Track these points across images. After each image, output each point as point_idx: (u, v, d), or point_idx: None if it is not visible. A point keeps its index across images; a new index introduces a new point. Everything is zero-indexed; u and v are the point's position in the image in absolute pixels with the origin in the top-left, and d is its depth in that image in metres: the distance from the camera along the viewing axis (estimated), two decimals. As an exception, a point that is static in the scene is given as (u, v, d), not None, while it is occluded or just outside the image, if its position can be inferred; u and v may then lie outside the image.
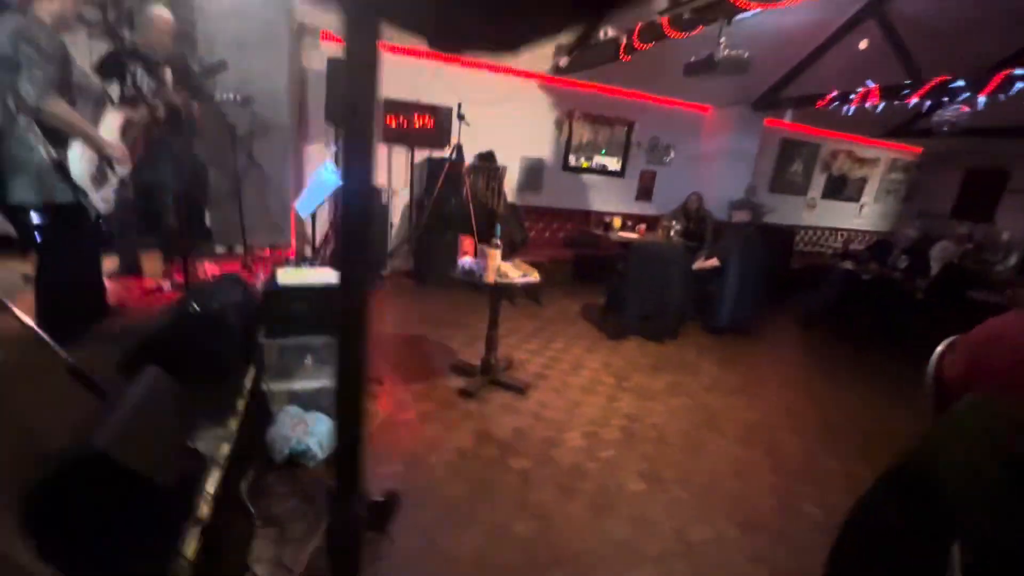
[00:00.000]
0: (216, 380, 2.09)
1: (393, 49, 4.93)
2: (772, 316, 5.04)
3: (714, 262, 4.36)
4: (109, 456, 1.25)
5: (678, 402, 3.12)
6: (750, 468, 2.51)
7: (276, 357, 2.42)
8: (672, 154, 6.57)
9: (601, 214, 6.30)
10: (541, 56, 5.22)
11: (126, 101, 2.60)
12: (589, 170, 6.22)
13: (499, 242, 2.83)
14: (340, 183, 0.47)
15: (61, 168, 2.08)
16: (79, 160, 2.13)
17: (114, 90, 2.64)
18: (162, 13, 3.00)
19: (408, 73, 4.90)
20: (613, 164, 6.32)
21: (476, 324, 3.57)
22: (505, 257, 3.01)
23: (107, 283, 2.76)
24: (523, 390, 2.98)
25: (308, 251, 4.64)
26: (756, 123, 6.31)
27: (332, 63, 4.45)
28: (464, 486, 2.15)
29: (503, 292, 2.99)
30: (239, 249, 4.10)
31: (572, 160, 6.09)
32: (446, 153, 4.98)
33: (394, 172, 5.19)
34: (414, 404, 2.76)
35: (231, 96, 4.09)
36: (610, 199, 6.42)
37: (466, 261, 2.92)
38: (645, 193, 6.63)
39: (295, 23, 4.43)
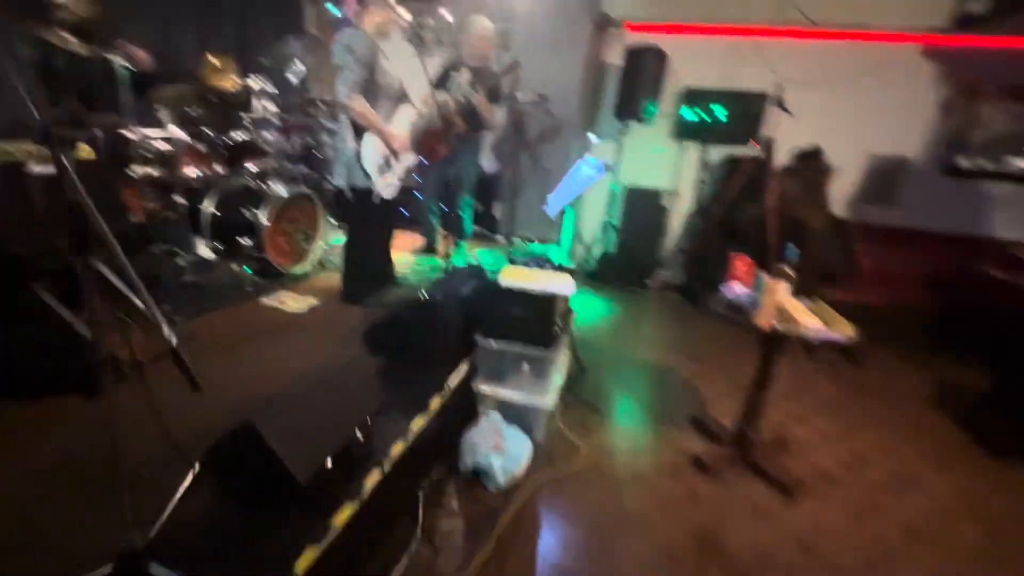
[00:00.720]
0: (422, 372, 2.09)
1: (702, 30, 4.25)
2: None
3: None
4: (255, 429, 1.25)
5: None
6: None
7: (492, 359, 2.28)
8: None
9: (1008, 244, 4.03)
10: (927, 5, 3.60)
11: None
12: (996, 175, 4.04)
13: (790, 270, 1.95)
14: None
15: (358, 157, 2.42)
16: (371, 150, 2.44)
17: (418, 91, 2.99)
18: (485, 23, 3.26)
19: (717, 54, 4.14)
20: (1050, 168, 3.91)
21: (743, 370, 2.63)
22: (804, 292, 2.08)
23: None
24: (790, 491, 2.01)
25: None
26: None
27: (631, 53, 4.13)
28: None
29: (782, 341, 2.06)
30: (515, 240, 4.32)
31: (963, 161, 4.07)
32: (752, 150, 4.02)
33: (681, 171, 4.54)
34: (626, 454, 2.21)
35: (526, 95, 4.27)
36: (1032, 223, 4.04)
37: (735, 289, 2.15)
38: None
39: (597, 14, 4.29)
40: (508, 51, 4.05)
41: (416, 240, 4.04)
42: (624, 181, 4.58)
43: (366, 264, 2.77)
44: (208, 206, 2.90)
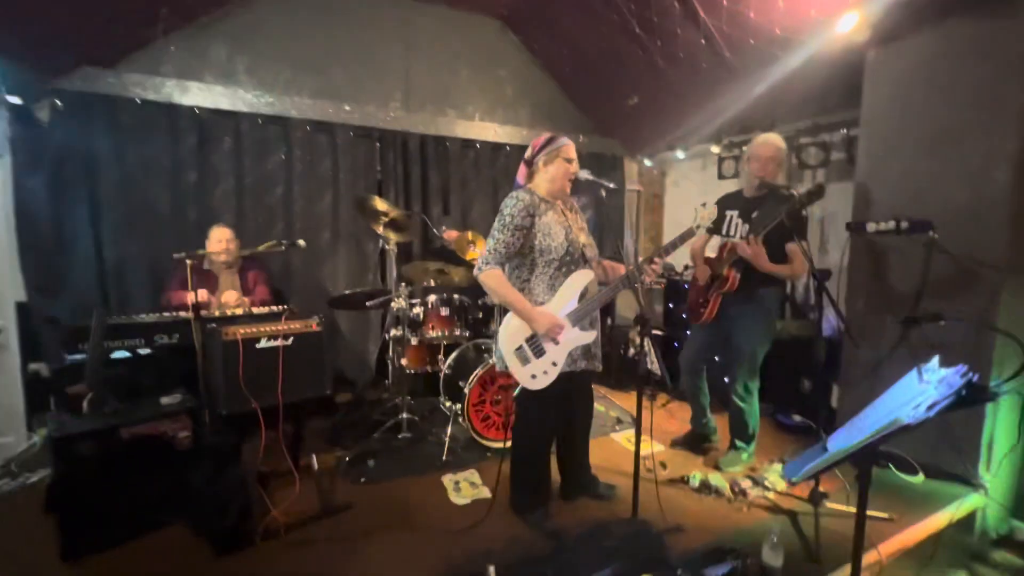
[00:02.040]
0: None
1: None
2: None
3: None
4: None
5: None
6: None
7: None
8: None
9: None
10: None
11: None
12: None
13: None
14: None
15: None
16: (506, 332, 1.97)
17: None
18: (771, 139, 2.39)
19: None
20: None
21: None
22: None
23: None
24: None
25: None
26: None
27: None
28: None
29: None
30: None
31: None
32: None
33: None
34: None
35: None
36: None
37: None
38: None
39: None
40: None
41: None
42: None
43: (529, 468, 2.16)
44: (444, 366, 3.05)
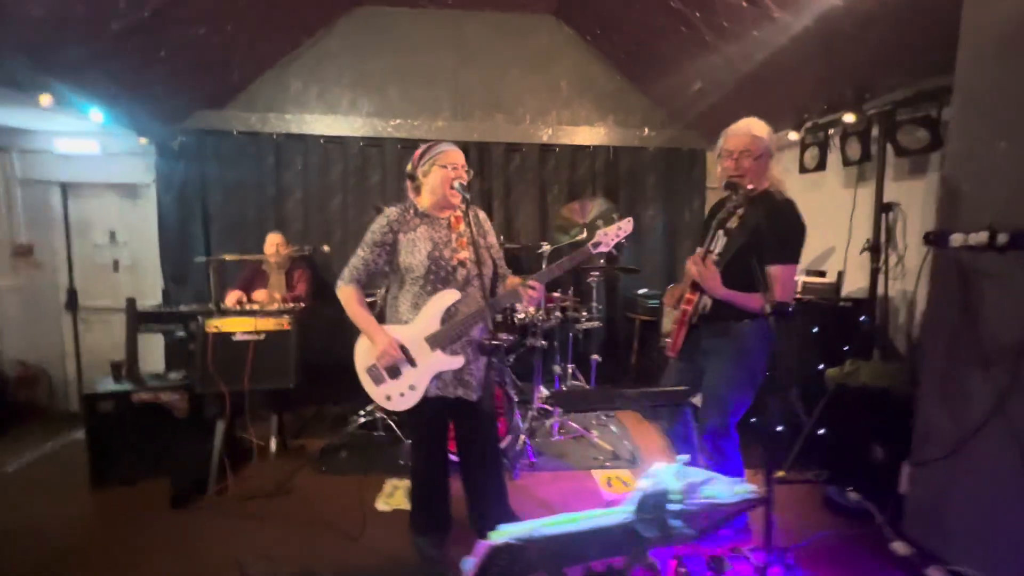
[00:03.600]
0: None
1: None
2: None
3: None
4: None
5: None
6: None
7: None
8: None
9: None
10: None
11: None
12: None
13: None
14: None
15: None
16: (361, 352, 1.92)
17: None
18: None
19: None
20: None
21: None
22: None
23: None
24: None
25: None
26: None
27: None
28: None
29: None
30: None
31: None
32: None
33: None
34: None
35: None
36: None
37: None
38: None
39: None
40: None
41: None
42: None
43: (419, 489, 2.09)
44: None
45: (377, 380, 1.89)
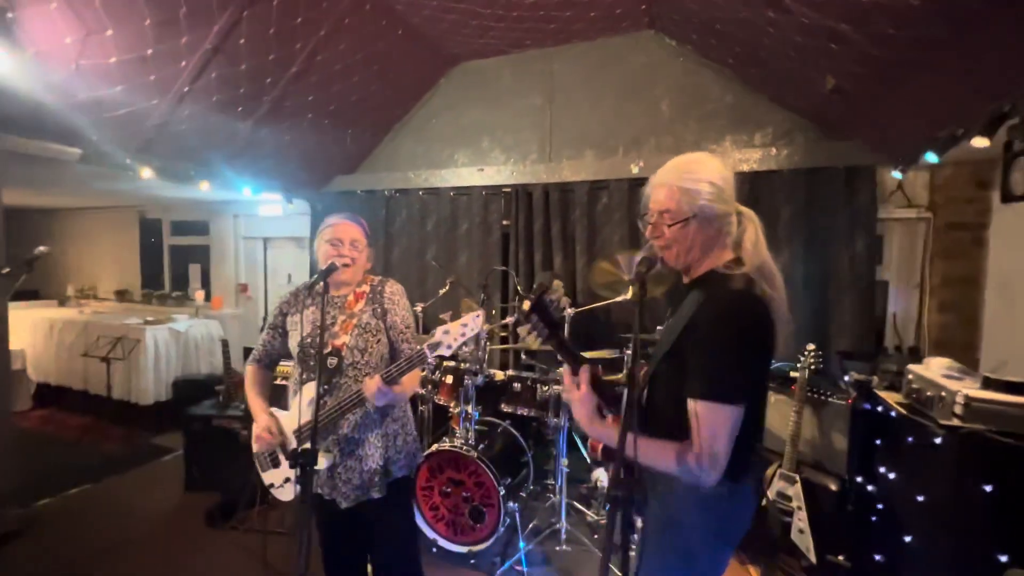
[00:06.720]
0: None
1: None
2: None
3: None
4: None
5: None
6: None
7: None
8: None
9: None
10: None
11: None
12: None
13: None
14: None
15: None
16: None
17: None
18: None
19: None
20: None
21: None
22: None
23: None
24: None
25: None
26: None
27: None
28: None
29: None
30: None
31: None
32: None
33: None
34: None
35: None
36: None
37: None
38: None
39: None
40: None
41: None
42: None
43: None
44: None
45: (263, 466, 1.84)
